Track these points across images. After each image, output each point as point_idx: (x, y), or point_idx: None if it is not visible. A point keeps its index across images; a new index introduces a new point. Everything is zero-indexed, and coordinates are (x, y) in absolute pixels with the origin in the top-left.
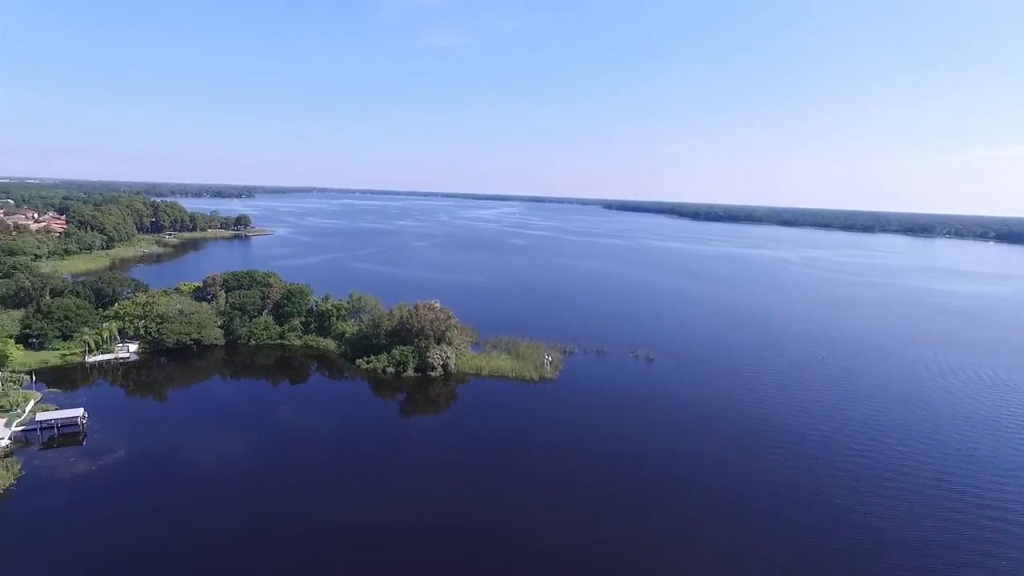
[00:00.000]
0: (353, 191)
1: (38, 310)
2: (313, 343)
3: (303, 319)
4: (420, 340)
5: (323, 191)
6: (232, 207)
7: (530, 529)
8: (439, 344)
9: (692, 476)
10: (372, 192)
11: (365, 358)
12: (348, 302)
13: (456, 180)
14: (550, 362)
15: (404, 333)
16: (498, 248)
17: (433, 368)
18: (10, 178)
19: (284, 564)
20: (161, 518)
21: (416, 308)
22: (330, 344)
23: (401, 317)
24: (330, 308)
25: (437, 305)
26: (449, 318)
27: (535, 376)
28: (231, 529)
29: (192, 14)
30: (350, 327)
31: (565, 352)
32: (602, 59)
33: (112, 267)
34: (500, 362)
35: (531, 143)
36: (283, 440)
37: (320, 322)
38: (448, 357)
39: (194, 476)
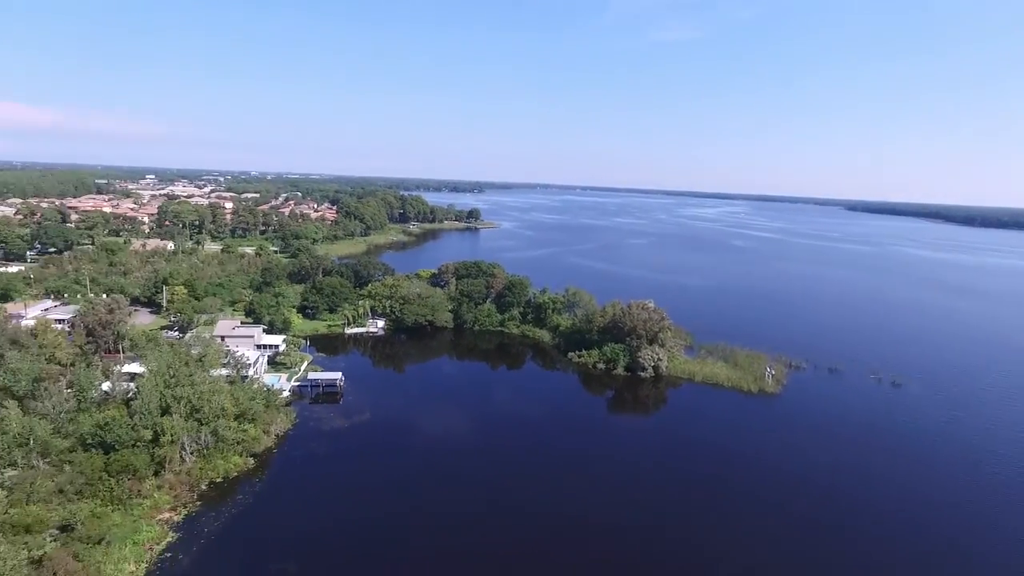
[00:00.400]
0: (574, 187)
1: (313, 286)
2: (529, 333)
3: (521, 309)
4: (632, 339)
5: (546, 187)
6: (465, 201)
7: (735, 549)
8: (651, 345)
9: (928, 523)
10: (592, 188)
11: (577, 352)
12: (563, 296)
13: (676, 177)
14: (772, 375)
15: (616, 331)
16: (717, 249)
17: (644, 369)
18: (299, 174)
19: (486, 543)
20: (394, 481)
21: (629, 307)
22: (545, 335)
23: (614, 315)
24: (546, 301)
25: (651, 305)
26: (663, 319)
27: (753, 388)
28: (445, 506)
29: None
30: (564, 320)
31: (791, 366)
32: (840, 44)
33: (367, 252)
34: (715, 369)
35: (755, 136)
36: (498, 422)
37: (537, 313)
38: (660, 359)
39: (421, 447)
